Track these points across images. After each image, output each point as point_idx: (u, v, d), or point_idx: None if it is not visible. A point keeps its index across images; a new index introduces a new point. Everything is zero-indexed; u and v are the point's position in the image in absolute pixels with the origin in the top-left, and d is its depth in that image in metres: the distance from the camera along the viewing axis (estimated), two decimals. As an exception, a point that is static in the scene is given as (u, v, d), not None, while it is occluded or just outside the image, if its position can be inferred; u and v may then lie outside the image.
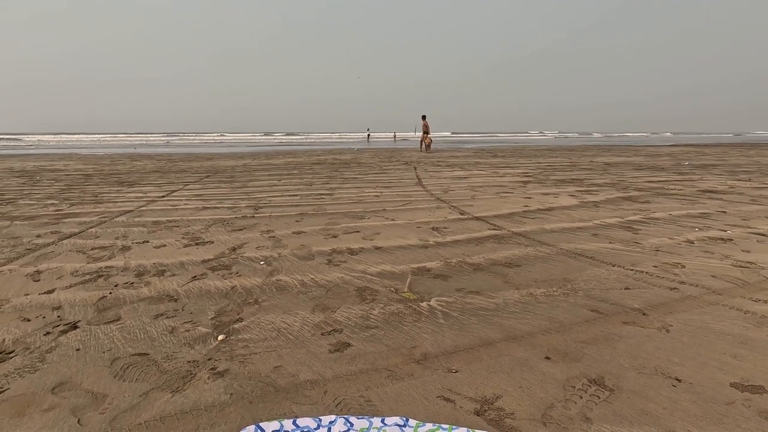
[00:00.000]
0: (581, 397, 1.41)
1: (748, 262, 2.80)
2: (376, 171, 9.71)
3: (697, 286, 2.39)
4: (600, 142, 36.63)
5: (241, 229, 3.87)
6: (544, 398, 1.41)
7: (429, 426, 1.23)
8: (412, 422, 1.25)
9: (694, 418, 1.30)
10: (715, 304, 2.15)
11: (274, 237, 3.60)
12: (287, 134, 79.93)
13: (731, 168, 9.80)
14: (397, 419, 1.26)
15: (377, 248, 3.22)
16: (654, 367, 1.59)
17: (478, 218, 4.30)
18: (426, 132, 20.50)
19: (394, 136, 49.87)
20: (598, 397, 1.41)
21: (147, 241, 3.47)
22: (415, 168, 10.33)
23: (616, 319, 2.00)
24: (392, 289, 2.39)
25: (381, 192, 6.26)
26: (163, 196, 5.98)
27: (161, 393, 1.45)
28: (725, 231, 3.68)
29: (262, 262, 2.88)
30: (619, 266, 2.75)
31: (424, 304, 2.18)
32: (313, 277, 2.59)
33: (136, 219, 4.39)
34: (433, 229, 3.86)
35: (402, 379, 1.53)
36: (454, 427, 1.22)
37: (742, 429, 1.26)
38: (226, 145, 30.42)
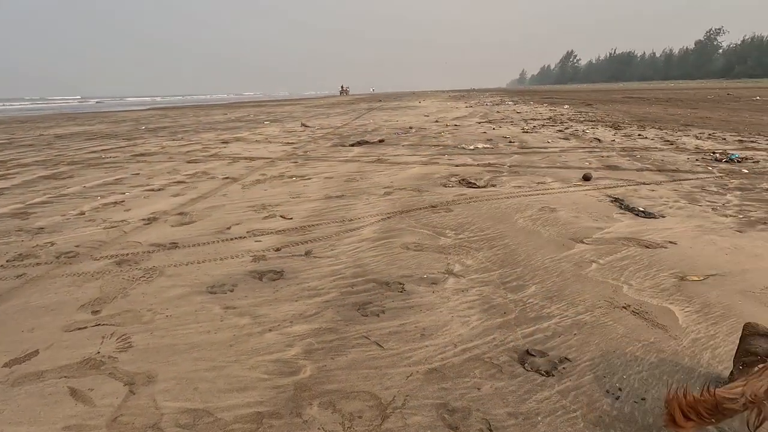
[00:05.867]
0: None
1: (121, 221, 3.20)
2: None
3: (49, 263, 2.43)
4: (75, 110, 32.65)
5: None
6: None
7: None
8: None
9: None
10: (55, 277, 2.24)
11: None
12: None
13: (177, 128, 11.32)
14: None
15: None
16: None
17: None
18: None
19: None
20: None
21: None
22: None
23: None
24: None
25: None
26: None
27: None
28: (124, 194, 4.08)
29: None
30: (-30, 269, 2.38)
31: None
32: None
33: None
34: None
35: None
36: None
37: None
38: None
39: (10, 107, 37.14)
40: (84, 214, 3.42)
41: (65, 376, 1.46)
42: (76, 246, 2.69)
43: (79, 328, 1.75)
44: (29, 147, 8.09)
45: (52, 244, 2.74)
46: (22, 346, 1.64)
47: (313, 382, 1.40)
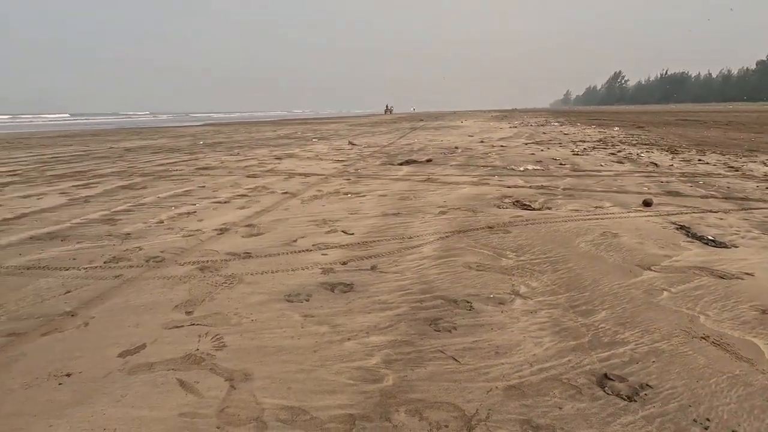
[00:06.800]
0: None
1: (196, 230, 3.46)
2: None
3: (140, 266, 2.68)
4: (134, 125, 35.27)
5: None
6: None
7: None
8: None
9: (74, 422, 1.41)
10: (148, 279, 2.48)
11: None
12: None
13: (232, 144, 12.00)
14: None
15: None
16: (50, 373, 1.61)
17: None
18: None
19: None
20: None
21: None
22: None
23: (35, 333, 1.90)
24: None
25: None
26: None
27: None
28: (194, 205, 4.39)
29: None
30: (75, 269, 2.67)
31: None
32: None
33: None
34: None
35: None
36: None
37: (121, 387, 1.48)
38: None
39: (90, 121, 40.93)
40: (163, 222, 3.73)
41: (172, 369, 1.62)
42: (161, 251, 2.95)
43: (177, 326, 1.94)
44: (104, 158, 8.85)
45: (140, 248, 3.01)
46: (131, 339, 1.84)
47: (396, 390, 1.48)
